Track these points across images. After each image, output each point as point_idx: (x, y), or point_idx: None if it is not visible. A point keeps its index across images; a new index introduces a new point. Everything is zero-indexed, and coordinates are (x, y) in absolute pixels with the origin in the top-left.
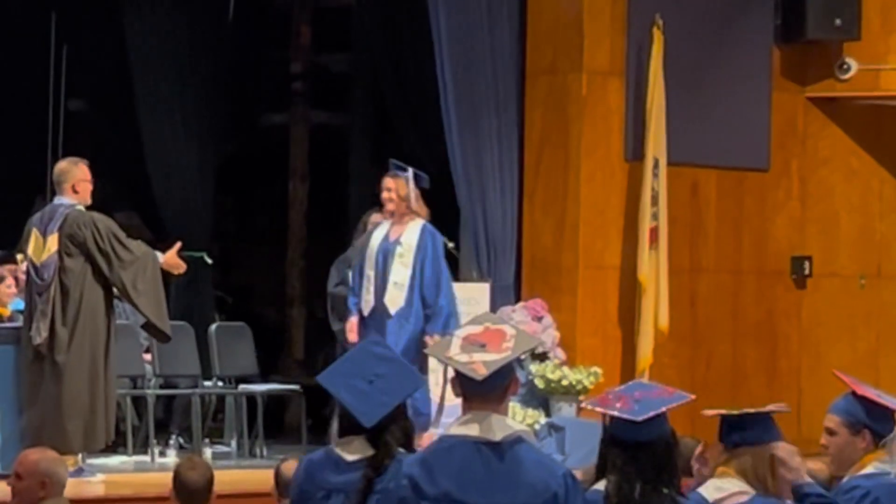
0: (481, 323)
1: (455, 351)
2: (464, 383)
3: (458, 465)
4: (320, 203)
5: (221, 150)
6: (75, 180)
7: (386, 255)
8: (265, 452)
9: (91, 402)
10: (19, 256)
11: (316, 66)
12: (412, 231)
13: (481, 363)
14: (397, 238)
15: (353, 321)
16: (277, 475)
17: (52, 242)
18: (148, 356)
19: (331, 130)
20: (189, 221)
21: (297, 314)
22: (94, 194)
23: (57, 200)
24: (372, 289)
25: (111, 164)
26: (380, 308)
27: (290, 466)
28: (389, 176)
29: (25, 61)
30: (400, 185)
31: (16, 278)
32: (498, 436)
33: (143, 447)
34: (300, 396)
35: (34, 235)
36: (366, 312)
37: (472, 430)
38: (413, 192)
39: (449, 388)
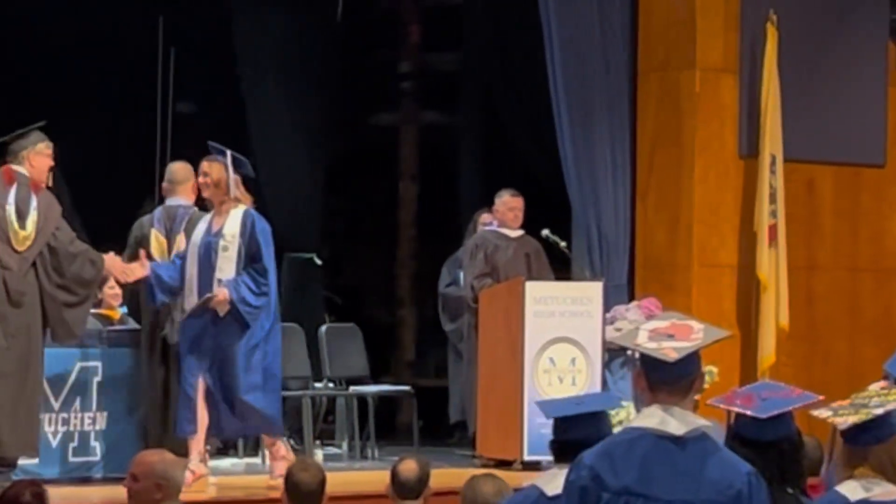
0: (667, 319)
1: (643, 339)
2: (651, 373)
3: (641, 457)
4: (430, 203)
5: (330, 150)
6: (193, 183)
7: (209, 249)
8: (377, 454)
9: None
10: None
11: (425, 65)
12: (234, 219)
13: (671, 348)
14: (219, 229)
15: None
16: (394, 475)
17: (181, 242)
18: None
19: (441, 130)
20: (298, 223)
21: (408, 315)
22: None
23: (172, 202)
24: (195, 288)
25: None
26: (207, 309)
27: (407, 467)
28: (206, 160)
29: (133, 64)
30: (215, 170)
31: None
32: (681, 430)
33: (253, 449)
34: (411, 398)
35: (155, 237)
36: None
37: (656, 423)
38: (232, 177)
39: None
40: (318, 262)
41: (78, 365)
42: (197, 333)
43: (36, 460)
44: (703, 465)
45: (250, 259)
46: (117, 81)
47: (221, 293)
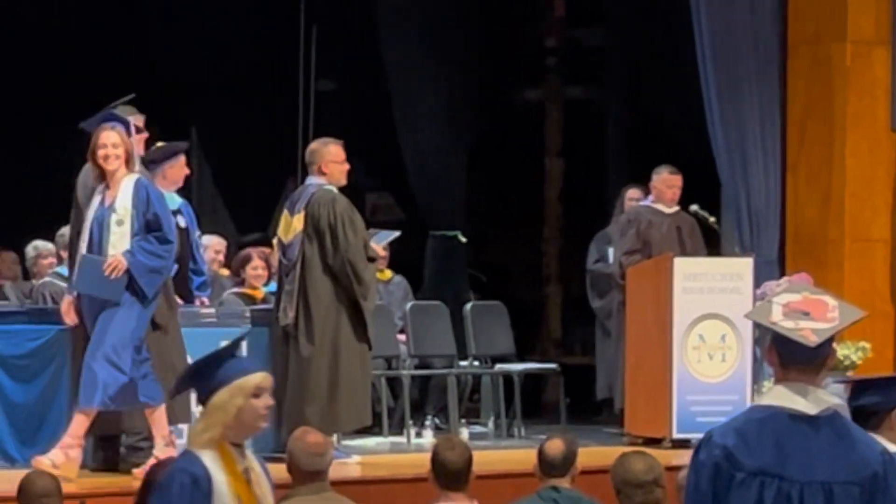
0: (798, 292)
1: (778, 317)
2: (785, 352)
3: (774, 437)
4: (576, 179)
5: (474, 127)
6: (324, 161)
7: (101, 225)
8: (523, 432)
9: (330, 385)
10: (274, 240)
11: (570, 40)
12: (125, 190)
13: (810, 330)
14: (111, 202)
15: (68, 300)
16: (541, 454)
17: (298, 222)
18: (402, 336)
19: (586, 106)
20: (442, 200)
21: (554, 292)
22: (347, 175)
23: (308, 181)
24: None
25: (362, 144)
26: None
27: (554, 445)
28: (108, 129)
29: (275, 42)
30: (125, 139)
31: (266, 261)
32: (814, 409)
33: (398, 428)
34: (558, 376)
35: (283, 215)
36: (78, 292)
37: (788, 402)
38: (133, 144)
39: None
40: (463, 239)
41: (221, 345)
42: (95, 312)
43: (182, 440)
44: (838, 445)
45: (148, 230)
46: (258, 60)
47: (117, 259)
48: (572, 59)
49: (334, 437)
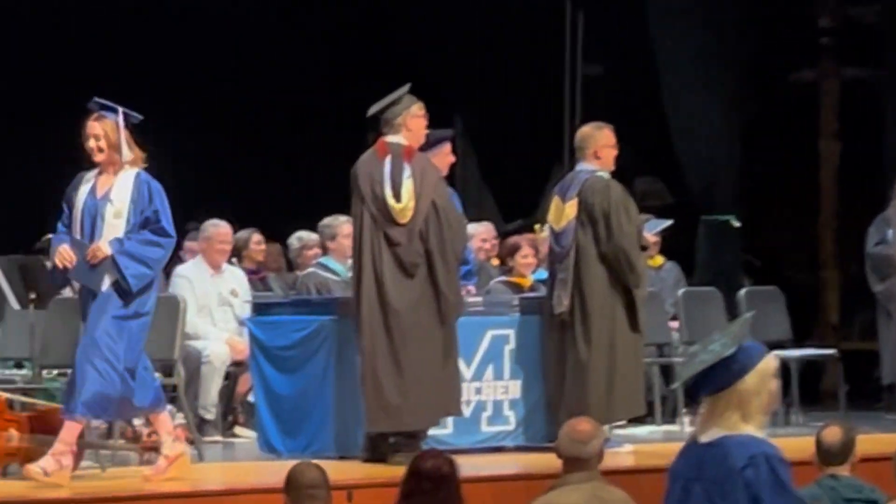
0: None
1: None
2: None
3: None
4: (853, 161)
5: (747, 109)
6: (598, 146)
7: (94, 216)
8: (801, 420)
9: (608, 378)
10: (537, 226)
11: (845, 19)
12: (124, 182)
13: None
14: (106, 193)
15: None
16: (818, 442)
17: (571, 209)
18: (675, 323)
19: (863, 86)
20: (714, 184)
21: (831, 276)
22: (615, 160)
23: (579, 167)
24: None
25: (631, 128)
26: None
27: (831, 433)
28: (94, 119)
29: (540, 28)
30: (109, 130)
31: (535, 248)
32: None
33: (671, 416)
34: (837, 362)
35: (554, 202)
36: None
37: None
38: (124, 136)
39: None
40: (736, 223)
41: (489, 333)
42: (84, 310)
43: (450, 430)
44: None
45: (145, 225)
46: (524, 46)
47: (97, 247)
48: (848, 39)
49: (606, 427)
